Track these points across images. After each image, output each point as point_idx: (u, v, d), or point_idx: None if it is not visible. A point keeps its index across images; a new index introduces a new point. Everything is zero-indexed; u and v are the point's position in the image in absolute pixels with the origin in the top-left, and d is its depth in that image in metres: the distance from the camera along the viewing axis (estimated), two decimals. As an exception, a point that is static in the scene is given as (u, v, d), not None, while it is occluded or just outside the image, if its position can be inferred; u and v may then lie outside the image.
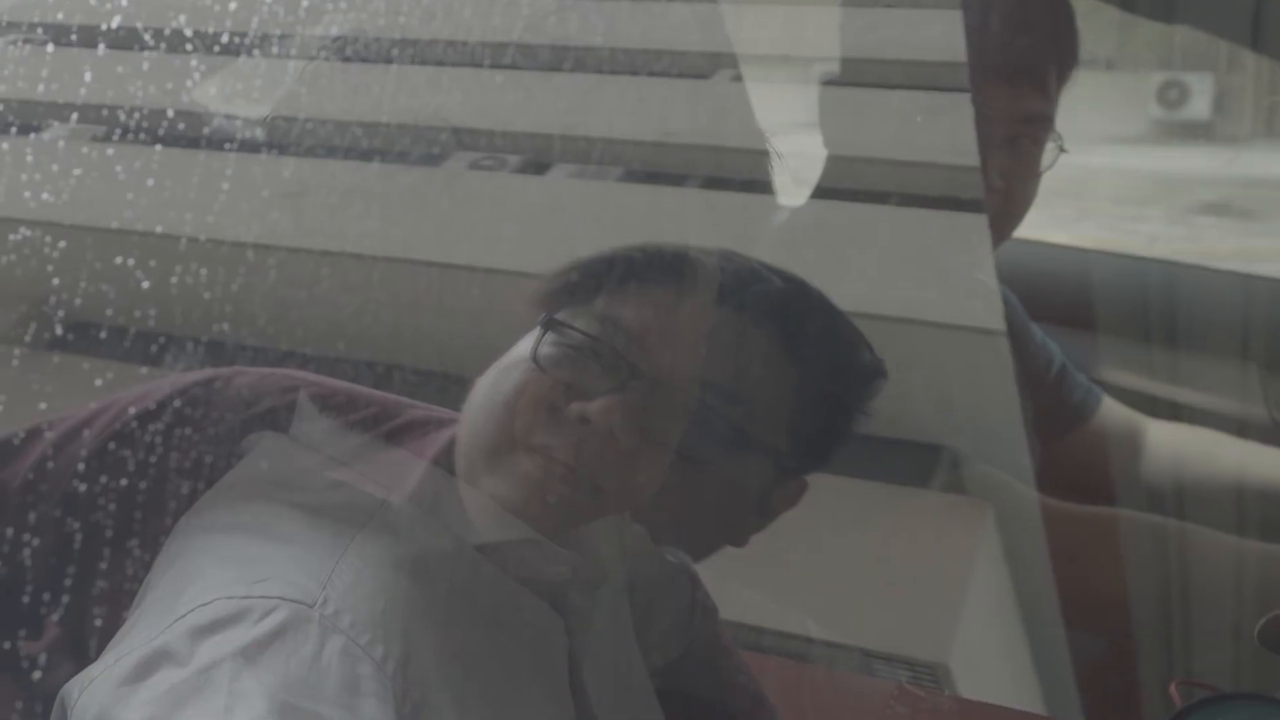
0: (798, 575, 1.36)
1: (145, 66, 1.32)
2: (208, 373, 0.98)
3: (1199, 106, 4.26)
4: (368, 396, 0.99)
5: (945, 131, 1.40)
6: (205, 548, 0.84)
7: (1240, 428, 1.71)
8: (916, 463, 1.39)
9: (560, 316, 0.93)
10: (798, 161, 1.57)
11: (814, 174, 1.54)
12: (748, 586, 1.21)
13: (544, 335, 0.93)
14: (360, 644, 0.77)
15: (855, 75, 1.51)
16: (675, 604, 1.15)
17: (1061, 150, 1.45)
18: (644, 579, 1.10)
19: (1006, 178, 1.40)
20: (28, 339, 1.32)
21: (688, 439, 0.91)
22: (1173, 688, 1.04)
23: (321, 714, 0.74)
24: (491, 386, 0.93)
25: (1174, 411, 1.77)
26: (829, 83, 1.52)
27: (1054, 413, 1.67)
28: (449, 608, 0.84)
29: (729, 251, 0.97)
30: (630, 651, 0.97)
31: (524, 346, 0.93)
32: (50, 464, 0.94)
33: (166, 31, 1.35)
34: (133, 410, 0.96)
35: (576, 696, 0.89)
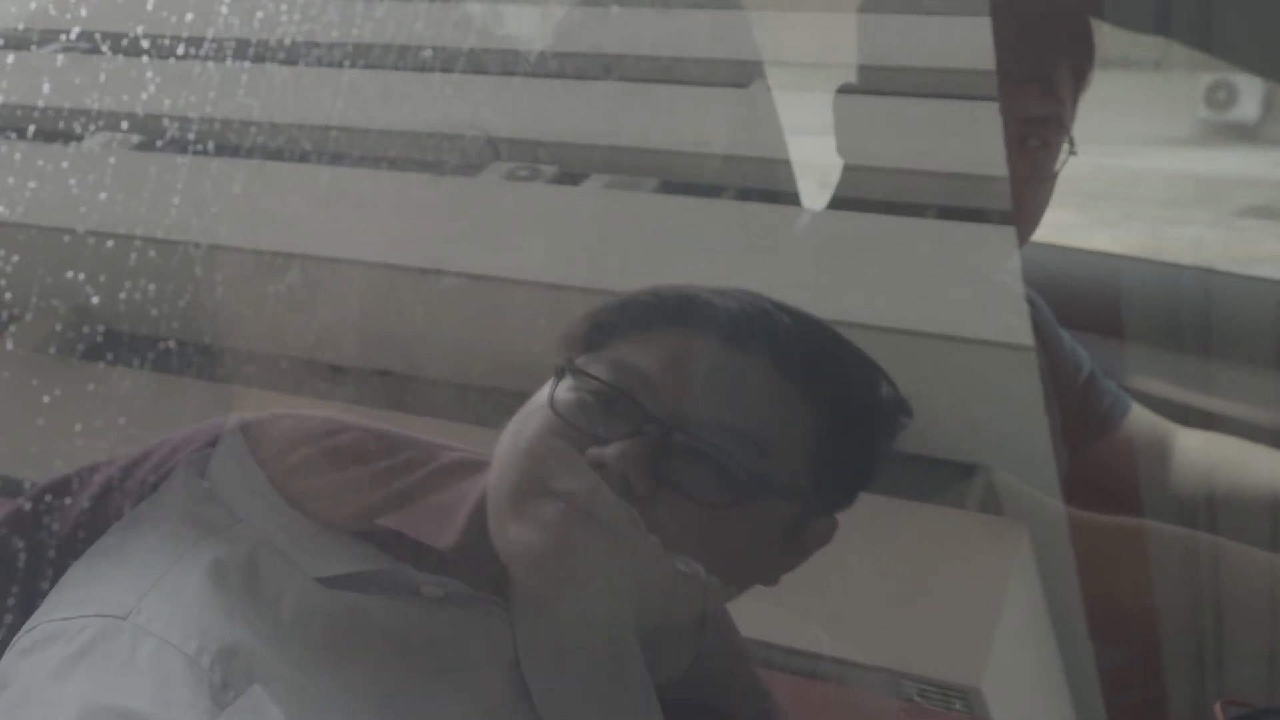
0: (822, 594, 1.36)
1: (183, 74, 1.34)
2: (248, 416, 1.00)
3: (1247, 108, 4.23)
4: (402, 441, 1.01)
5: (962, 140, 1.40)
6: (73, 569, 0.86)
7: (1274, 438, 1.70)
8: (946, 480, 1.38)
9: (578, 362, 0.94)
10: (825, 170, 1.58)
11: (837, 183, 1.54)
12: (774, 605, 1.22)
13: (561, 381, 0.94)
14: (172, 642, 0.79)
15: (873, 83, 1.51)
16: (683, 613, 1.15)
17: (1072, 153, 1.45)
18: (652, 586, 1.11)
19: (1013, 180, 1.40)
20: (63, 348, 1.34)
21: (706, 483, 0.91)
22: (1217, 707, 1.03)
23: (133, 709, 0.76)
24: (514, 433, 0.93)
25: (1205, 420, 1.76)
26: (844, 90, 1.53)
27: (1082, 420, 1.66)
28: (292, 614, 0.84)
29: (744, 292, 0.97)
30: (623, 655, 0.97)
31: (543, 393, 0.94)
32: (96, 510, 0.96)
33: (205, 38, 1.37)
34: (177, 457, 0.97)
35: (515, 691, 0.89)
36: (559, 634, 0.92)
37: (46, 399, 1.01)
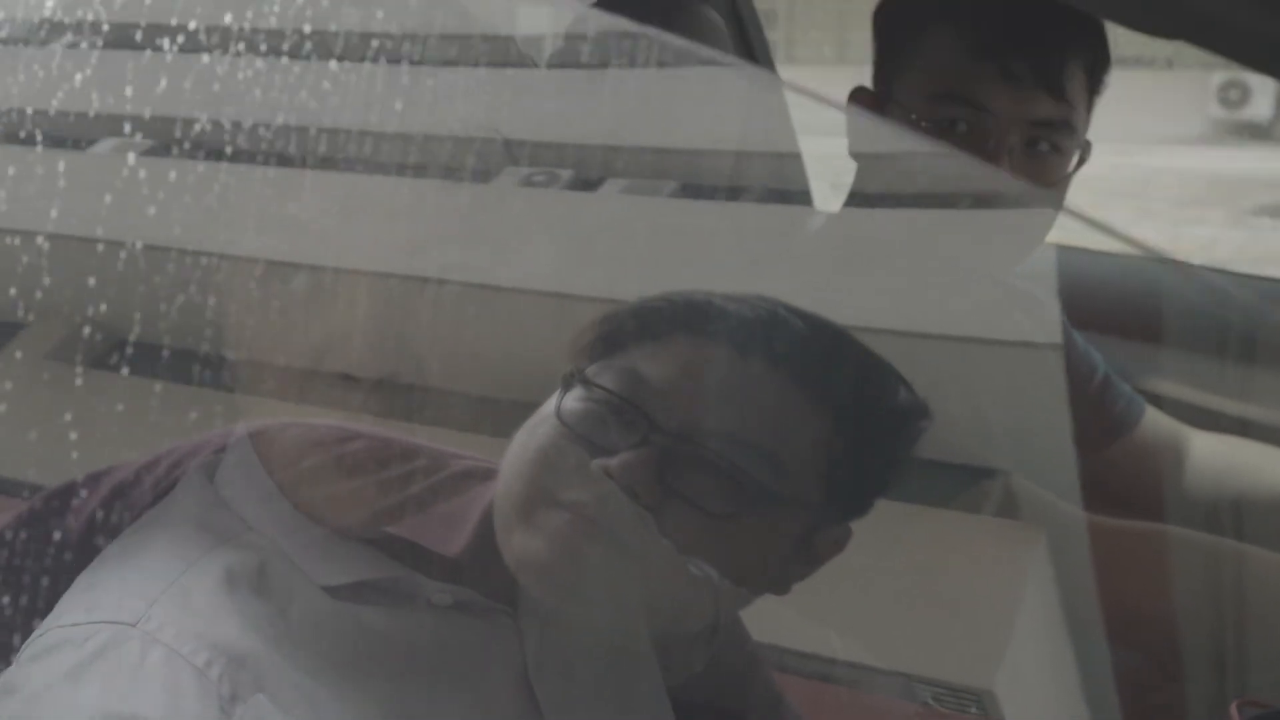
0: (837, 598, 1.35)
1: (189, 73, 1.33)
2: (260, 423, 0.99)
3: (1260, 106, 4.24)
4: (412, 449, 1.00)
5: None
6: (84, 575, 0.86)
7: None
8: (963, 484, 1.38)
9: (587, 372, 0.93)
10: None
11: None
12: (788, 609, 1.22)
13: (568, 391, 0.93)
14: (181, 652, 0.78)
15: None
16: (694, 619, 1.15)
17: (1083, 160, 1.43)
18: (663, 593, 1.11)
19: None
20: (75, 357, 1.34)
21: (714, 494, 0.90)
22: (1233, 708, 1.03)
23: (142, 716, 0.75)
24: (522, 443, 0.93)
25: (1220, 423, 1.76)
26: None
27: (1096, 424, 1.65)
28: (301, 623, 0.84)
29: (757, 297, 0.96)
30: (634, 663, 0.97)
31: (551, 402, 0.94)
32: (107, 513, 0.96)
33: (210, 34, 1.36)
34: (187, 463, 0.97)
35: (524, 700, 0.89)
36: (568, 643, 0.92)
37: (56, 406, 1.01)
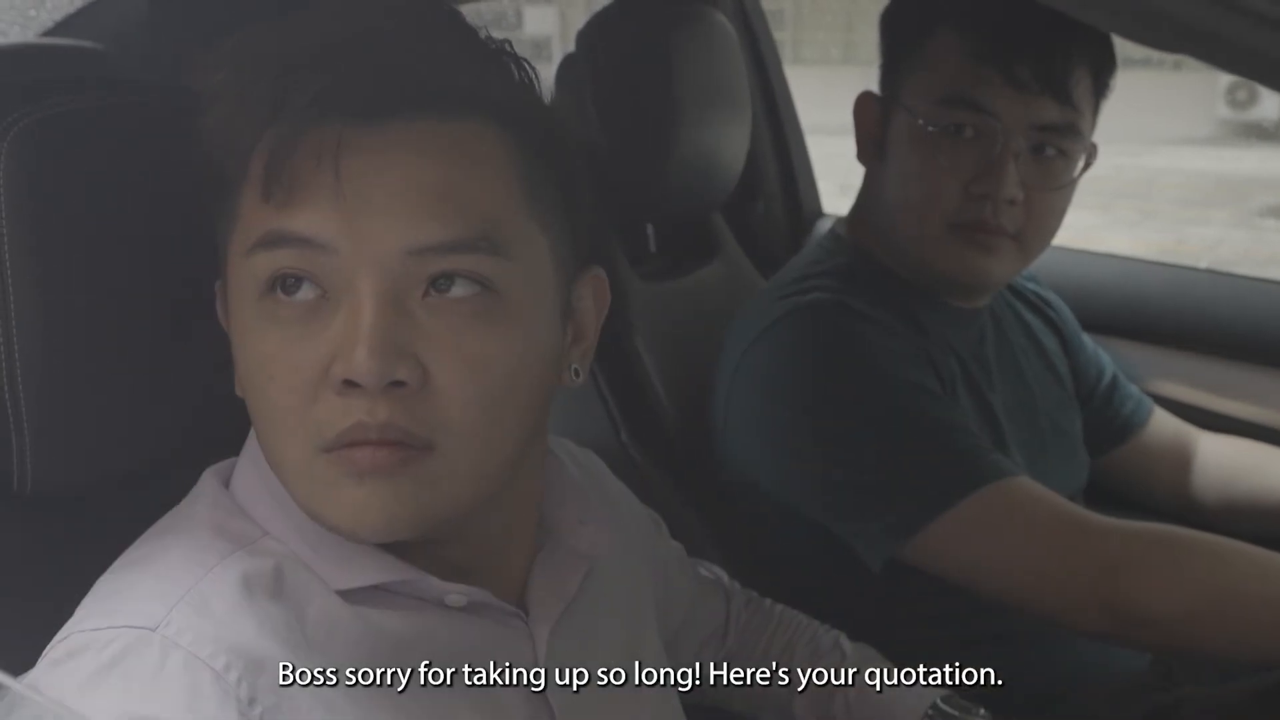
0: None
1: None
2: None
3: (1268, 107, 4.22)
4: None
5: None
6: (104, 580, 0.85)
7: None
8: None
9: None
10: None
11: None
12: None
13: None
14: (201, 656, 0.78)
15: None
16: (708, 618, 1.16)
17: (1089, 163, 1.43)
18: (676, 592, 1.11)
19: (1027, 189, 1.39)
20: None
21: None
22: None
23: (162, 719, 0.75)
24: None
25: (1227, 424, 1.76)
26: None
27: (1104, 425, 1.66)
28: (316, 627, 0.83)
29: None
30: (646, 663, 0.96)
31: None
32: None
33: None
34: None
35: (536, 702, 0.88)
36: (580, 645, 0.91)
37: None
